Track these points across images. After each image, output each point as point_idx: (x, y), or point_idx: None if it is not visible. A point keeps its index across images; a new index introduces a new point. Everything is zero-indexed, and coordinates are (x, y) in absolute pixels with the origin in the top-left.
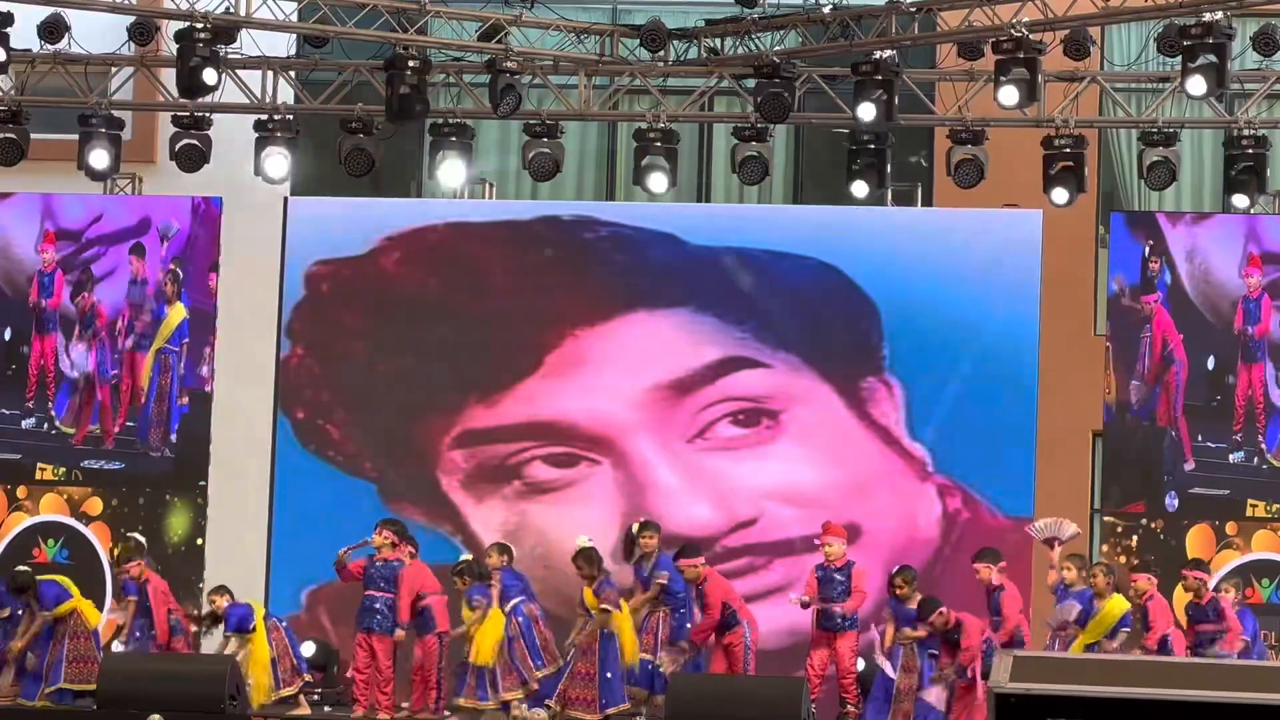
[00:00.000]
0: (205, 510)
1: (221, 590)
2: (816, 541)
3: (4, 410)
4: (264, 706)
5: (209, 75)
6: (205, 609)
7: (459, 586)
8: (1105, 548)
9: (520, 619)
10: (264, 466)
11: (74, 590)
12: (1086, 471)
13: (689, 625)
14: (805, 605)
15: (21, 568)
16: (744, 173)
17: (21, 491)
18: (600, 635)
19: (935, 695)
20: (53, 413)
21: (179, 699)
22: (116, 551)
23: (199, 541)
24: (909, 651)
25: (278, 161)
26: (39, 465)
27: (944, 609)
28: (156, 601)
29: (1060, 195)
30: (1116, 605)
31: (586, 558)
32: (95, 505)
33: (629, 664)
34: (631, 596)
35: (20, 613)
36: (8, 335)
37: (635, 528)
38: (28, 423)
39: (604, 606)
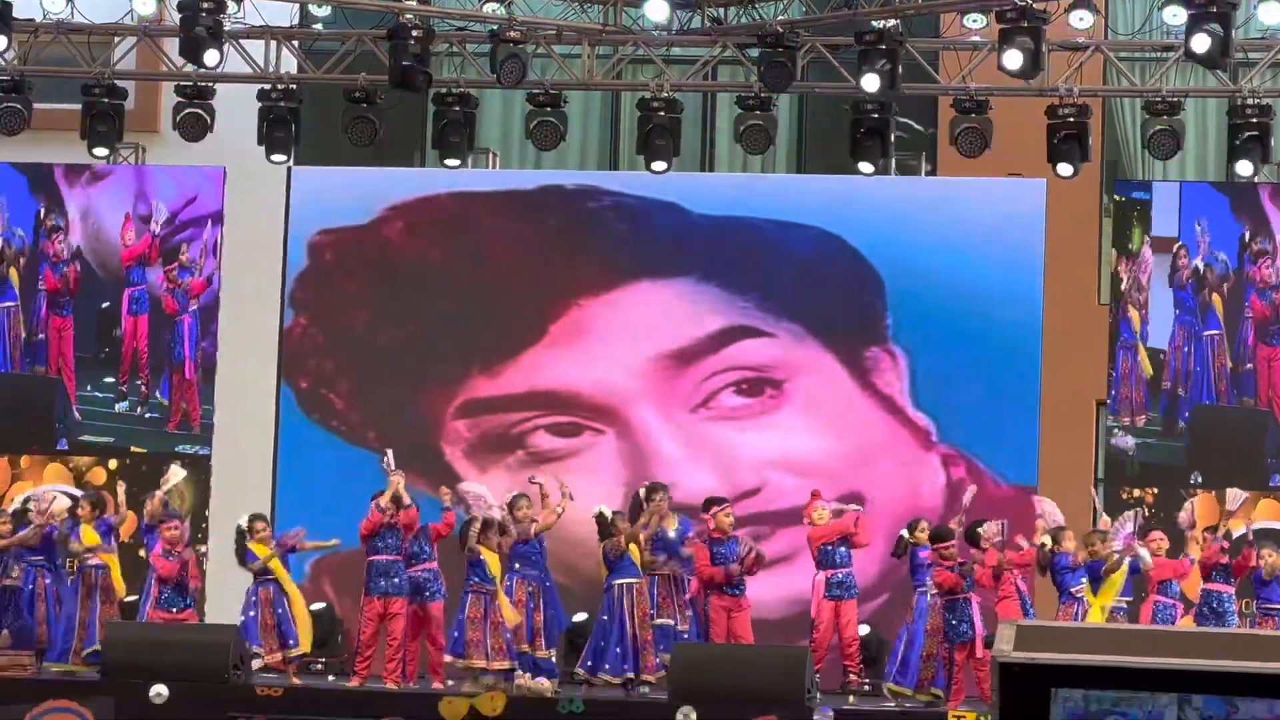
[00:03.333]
0: (209, 480)
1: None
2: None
3: (98, 393)
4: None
5: (212, 54)
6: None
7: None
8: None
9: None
10: (267, 436)
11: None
12: (1090, 441)
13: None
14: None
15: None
16: (748, 142)
17: (24, 461)
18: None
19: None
20: (160, 396)
21: (183, 669)
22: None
23: (204, 511)
24: (934, 613)
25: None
26: (133, 448)
27: (954, 543)
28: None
29: (1065, 169)
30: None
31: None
32: (99, 475)
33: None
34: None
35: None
36: (107, 317)
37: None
38: (122, 406)
39: None
